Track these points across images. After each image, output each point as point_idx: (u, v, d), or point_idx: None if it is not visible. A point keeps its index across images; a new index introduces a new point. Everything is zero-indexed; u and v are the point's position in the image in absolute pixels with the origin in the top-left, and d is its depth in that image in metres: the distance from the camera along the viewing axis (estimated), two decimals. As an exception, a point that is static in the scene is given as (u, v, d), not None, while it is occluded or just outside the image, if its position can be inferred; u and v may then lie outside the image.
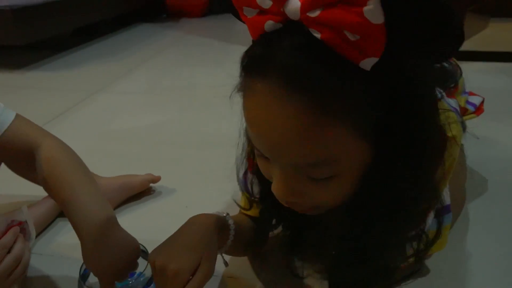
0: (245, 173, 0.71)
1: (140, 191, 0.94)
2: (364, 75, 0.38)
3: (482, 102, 0.86)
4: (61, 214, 0.88)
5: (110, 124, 1.35)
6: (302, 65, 0.39)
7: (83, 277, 0.59)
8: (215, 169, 1.05)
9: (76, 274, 0.58)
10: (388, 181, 0.46)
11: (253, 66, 0.43)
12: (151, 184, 0.96)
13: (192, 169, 1.07)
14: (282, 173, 0.45)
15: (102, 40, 2.41)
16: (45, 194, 0.87)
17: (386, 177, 0.46)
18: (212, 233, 0.55)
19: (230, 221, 0.60)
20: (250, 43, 0.46)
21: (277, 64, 0.40)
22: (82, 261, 0.59)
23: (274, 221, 0.70)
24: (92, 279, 0.60)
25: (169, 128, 1.32)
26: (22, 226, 0.61)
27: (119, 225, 0.57)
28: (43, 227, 0.84)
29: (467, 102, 0.84)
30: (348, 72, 0.38)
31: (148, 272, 0.59)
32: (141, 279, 0.59)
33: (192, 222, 0.57)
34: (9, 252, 0.57)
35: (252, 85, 0.42)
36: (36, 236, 0.82)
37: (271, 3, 0.40)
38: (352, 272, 0.53)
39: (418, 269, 0.55)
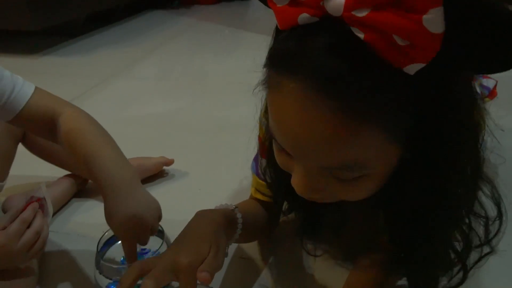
0: (256, 157, 0.71)
1: (153, 174, 0.95)
2: (404, 79, 0.36)
3: (496, 85, 0.85)
4: (76, 195, 0.90)
5: (123, 110, 1.37)
6: (338, 68, 0.36)
7: (101, 253, 0.60)
8: (227, 154, 1.07)
9: (93, 251, 0.60)
10: (419, 179, 0.45)
11: (283, 62, 0.39)
12: (165, 167, 0.97)
13: (204, 153, 1.08)
14: (305, 171, 0.44)
15: (115, 26, 2.41)
16: (61, 175, 0.89)
17: (417, 176, 0.45)
18: (219, 226, 0.55)
19: (238, 215, 0.60)
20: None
21: (311, 64, 0.37)
22: (98, 239, 0.61)
23: (286, 207, 0.70)
24: (110, 255, 0.61)
25: (182, 113, 1.33)
26: (41, 203, 0.63)
27: (141, 185, 0.57)
28: (59, 207, 0.86)
29: (481, 85, 0.83)
30: (387, 76, 0.36)
31: (163, 250, 0.61)
32: (156, 256, 0.60)
33: (200, 216, 0.57)
34: (28, 227, 0.58)
35: (281, 82, 0.39)
36: (53, 215, 0.84)
37: None
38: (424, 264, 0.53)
39: (490, 252, 0.52)
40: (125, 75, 1.69)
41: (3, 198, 0.83)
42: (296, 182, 0.45)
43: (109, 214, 0.55)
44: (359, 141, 0.39)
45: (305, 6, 0.37)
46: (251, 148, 0.75)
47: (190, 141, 1.14)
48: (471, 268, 0.52)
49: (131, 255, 0.57)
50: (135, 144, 1.09)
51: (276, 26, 0.42)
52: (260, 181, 0.69)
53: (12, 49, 2.00)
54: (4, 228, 0.57)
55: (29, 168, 0.92)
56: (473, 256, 0.52)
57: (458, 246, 0.51)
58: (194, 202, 0.89)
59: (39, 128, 0.61)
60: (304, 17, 0.37)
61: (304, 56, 0.37)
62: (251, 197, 0.73)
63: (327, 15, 0.36)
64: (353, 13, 0.34)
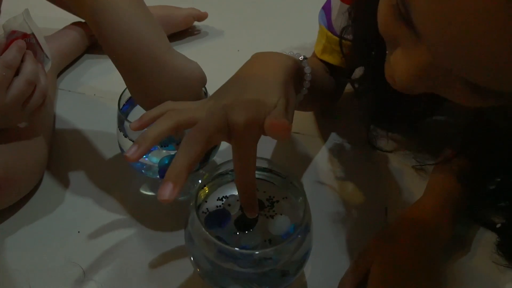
0: (328, 4, 0.53)
1: (183, 29, 0.77)
2: None
3: None
4: (89, 50, 0.73)
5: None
6: None
7: (124, 112, 0.45)
8: (268, 10, 0.87)
9: (114, 113, 0.45)
10: None
11: None
12: (196, 22, 0.78)
13: (242, 9, 0.88)
14: (430, 60, 0.27)
15: None
16: (67, 22, 0.71)
17: None
18: (290, 73, 0.39)
19: (307, 68, 0.44)
20: None
21: None
22: (118, 99, 0.46)
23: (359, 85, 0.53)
24: (136, 115, 0.46)
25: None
26: (29, 41, 0.44)
27: (171, 47, 0.41)
28: (67, 63, 0.69)
29: None
30: None
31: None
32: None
33: (262, 56, 0.40)
34: (17, 74, 0.43)
35: None
36: (61, 73, 0.68)
37: None
38: None
39: None
40: None
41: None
42: (402, 65, 0.29)
43: (136, 95, 0.41)
44: None
45: None
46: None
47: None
48: None
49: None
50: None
51: None
52: (333, 36, 0.52)
53: None
54: None
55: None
56: None
57: None
58: (233, 65, 0.72)
59: None
60: None
61: None
62: (314, 57, 0.57)
63: None
64: None
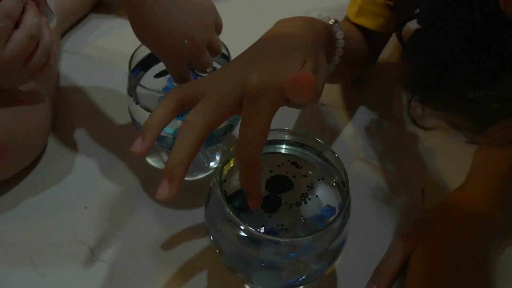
0: None
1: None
2: None
3: None
4: (95, 8, 0.67)
5: None
6: None
7: (136, 76, 0.40)
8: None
9: (124, 78, 0.40)
10: None
11: None
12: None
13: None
14: None
15: None
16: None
17: None
18: (319, 36, 0.34)
19: (339, 33, 0.38)
20: None
21: None
22: (127, 64, 0.41)
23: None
24: (147, 80, 0.42)
25: None
26: None
27: None
28: (72, 22, 0.64)
29: None
30: None
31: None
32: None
33: (285, 22, 0.34)
34: (17, 27, 0.37)
35: None
36: (64, 33, 0.63)
37: None
38: None
39: None
40: None
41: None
42: None
43: (138, 35, 0.36)
44: None
45: None
46: None
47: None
48: None
49: (181, 78, 0.38)
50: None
51: None
52: None
53: None
54: None
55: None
56: None
57: None
58: (252, 27, 0.66)
59: None
60: None
61: None
62: (347, 20, 0.51)
63: None
64: None
